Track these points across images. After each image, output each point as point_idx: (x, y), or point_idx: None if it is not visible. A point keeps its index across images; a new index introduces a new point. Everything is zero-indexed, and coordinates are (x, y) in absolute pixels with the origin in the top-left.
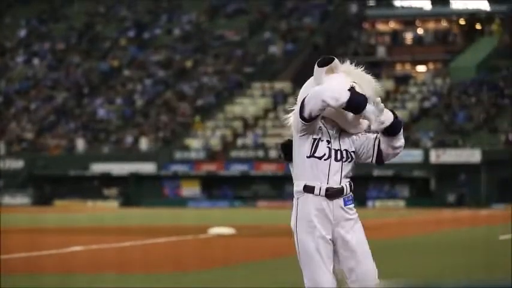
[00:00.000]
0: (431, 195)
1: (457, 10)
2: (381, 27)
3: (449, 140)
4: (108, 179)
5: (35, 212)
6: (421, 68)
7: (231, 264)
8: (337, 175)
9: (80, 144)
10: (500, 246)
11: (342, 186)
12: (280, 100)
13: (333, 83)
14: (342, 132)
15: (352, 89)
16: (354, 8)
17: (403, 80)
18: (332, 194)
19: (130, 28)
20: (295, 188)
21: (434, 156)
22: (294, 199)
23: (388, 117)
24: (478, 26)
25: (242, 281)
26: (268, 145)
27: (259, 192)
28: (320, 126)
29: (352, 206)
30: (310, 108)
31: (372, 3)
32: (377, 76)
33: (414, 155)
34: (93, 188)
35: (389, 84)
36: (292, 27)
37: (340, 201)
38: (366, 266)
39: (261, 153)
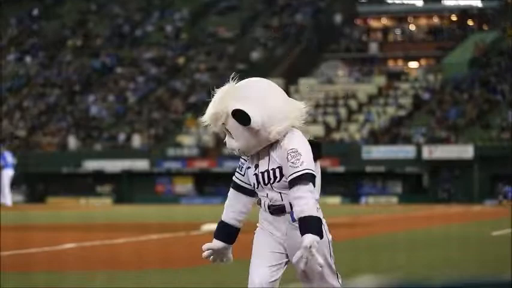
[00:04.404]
0: (424, 191)
1: (449, 6)
2: (372, 23)
3: (442, 136)
4: (101, 176)
5: (27, 209)
6: (413, 64)
7: None
8: (276, 194)
9: (72, 142)
10: (494, 242)
11: (284, 204)
12: None
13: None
14: (273, 147)
15: None
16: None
17: (396, 76)
18: (274, 211)
19: (122, 25)
20: None
21: (426, 152)
22: None
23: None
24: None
25: (235, 278)
26: None
27: None
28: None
29: None
30: None
31: None
32: (369, 72)
33: (407, 151)
34: (86, 185)
35: (382, 81)
36: (284, 24)
37: (286, 217)
38: (315, 283)
39: None
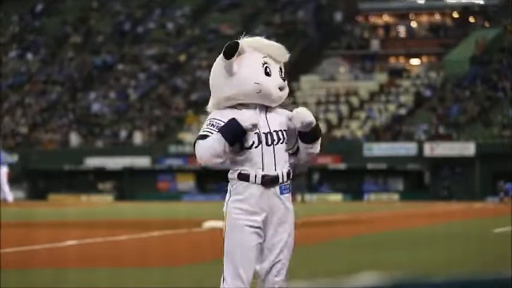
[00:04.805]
0: (426, 189)
1: (451, 3)
2: (374, 20)
3: (443, 133)
4: (102, 173)
5: (29, 206)
6: (414, 61)
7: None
8: (271, 161)
9: (74, 138)
10: (495, 240)
11: (277, 174)
12: None
13: (244, 75)
14: (268, 110)
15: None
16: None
17: (397, 73)
18: (267, 181)
19: (123, 22)
20: (229, 175)
21: (428, 150)
22: (228, 185)
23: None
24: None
25: None
26: None
27: None
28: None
29: (288, 195)
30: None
31: None
32: (371, 69)
33: (408, 148)
34: (87, 182)
35: (383, 78)
36: (286, 21)
37: (276, 189)
38: (282, 259)
39: None
